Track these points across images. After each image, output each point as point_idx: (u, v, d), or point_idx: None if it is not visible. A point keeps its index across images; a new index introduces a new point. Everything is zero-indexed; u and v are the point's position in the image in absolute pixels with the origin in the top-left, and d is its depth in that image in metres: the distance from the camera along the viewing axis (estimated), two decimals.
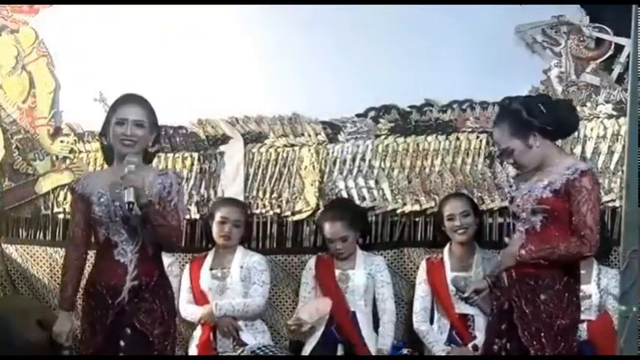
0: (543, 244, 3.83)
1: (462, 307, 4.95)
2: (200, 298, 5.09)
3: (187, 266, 5.21)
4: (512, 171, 4.21)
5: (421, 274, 5.10)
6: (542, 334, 3.80)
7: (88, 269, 4.01)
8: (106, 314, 3.81)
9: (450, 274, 4.98)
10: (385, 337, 5.06)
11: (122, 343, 3.82)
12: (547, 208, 3.84)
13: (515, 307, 3.86)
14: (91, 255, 4.01)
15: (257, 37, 5.49)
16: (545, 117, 3.91)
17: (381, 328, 5.08)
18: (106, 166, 4.16)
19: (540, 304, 3.82)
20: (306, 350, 5.01)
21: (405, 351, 5.05)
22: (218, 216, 5.12)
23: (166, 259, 5.02)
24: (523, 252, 3.84)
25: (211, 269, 5.11)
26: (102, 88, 5.33)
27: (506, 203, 4.85)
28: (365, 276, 5.09)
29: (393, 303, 5.15)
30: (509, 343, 3.90)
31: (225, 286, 5.07)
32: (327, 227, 5.09)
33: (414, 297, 5.11)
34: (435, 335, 4.98)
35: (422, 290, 5.08)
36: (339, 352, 4.98)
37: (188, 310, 5.09)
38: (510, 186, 4.05)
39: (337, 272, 5.10)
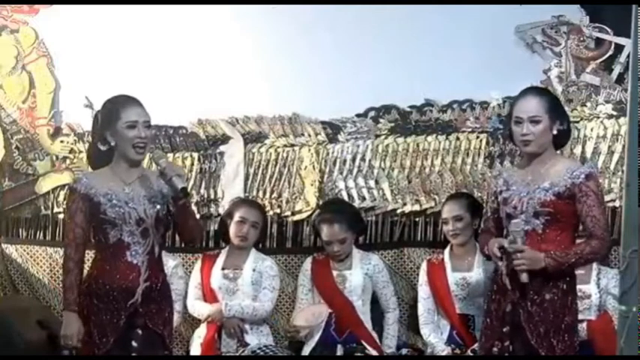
0: (567, 250, 3.83)
1: (462, 308, 4.95)
2: (209, 296, 5.08)
3: (198, 262, 5.20)
4: (505, 171, 4.15)
5: (422, 276, 5.09)
6: (551, 335, 3.81)
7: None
8: (118, 316, 3.80)
9: (451, 275, 4.98)
10: (390, 338, 5.09)
11: (134, 344, 3.82)
12: (550, 210, 3.84)
13: (521, 309, 3.85)
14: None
15: (257, 37, 5.49)
16: (569, 119, 4.03)
17: (386, 328, 5.10)
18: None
19: (547, 304, 3.83)
20: (306, 351, 5.01)
21: (405, 351, 5.05)
22: (237, 215, 5.11)
23: (171, 260, 5.07)
24: (550, 261, 3.79)
25: (223, 269, 5.10)
26: (102, 89, 5.30)
27: None
28: (362, 276, 5.09)
29: (396, 301, 5.17)
30: (513, 345, 3.89)
31: (235, 287, 5.07)
32: (325, 229, 5.08)
33: (417, 299, 5.11)
34: (436, 337, 4.97)
35: (423, 292, 5.07)
36: (339, 352, 4.98)
37: (196, 306, 5.09)
38: (507, 188, 3.99)
39: (334, 273, 5.10)
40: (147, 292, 3.83)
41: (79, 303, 3.81)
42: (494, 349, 3.93)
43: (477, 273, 4.92)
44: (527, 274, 3.81)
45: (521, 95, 4.01)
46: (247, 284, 5.06)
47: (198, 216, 5.36)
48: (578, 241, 3.94)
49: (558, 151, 4.10)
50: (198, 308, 5.08)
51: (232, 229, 5.11)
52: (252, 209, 5.15)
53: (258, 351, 4.87)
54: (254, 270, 5.09)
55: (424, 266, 5.10)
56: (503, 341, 3.91)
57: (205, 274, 5.12)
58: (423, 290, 5.07)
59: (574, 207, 3.84)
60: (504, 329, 3.91)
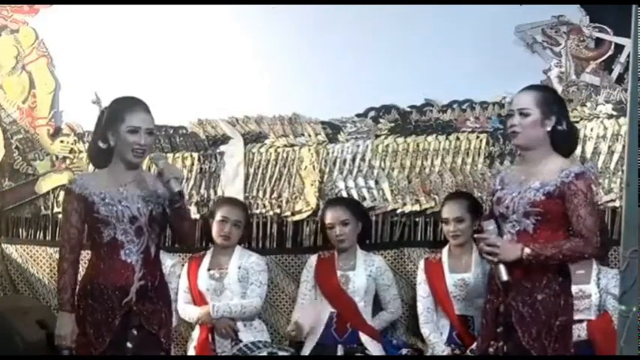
0: (546, 244, 3.80)
1: (461, 309, 4.94)
2: (198, 298, 5.08)
3: (185, 266, 5.20)
4: (503, 170, 4.14)
5: (420, 275, 5.08)
6: (543, 335, 3.79)
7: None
8: (113, 315, 3.78)
9: (449, 276, 4.97)
10: (380, 321, 5.10)
11: (129, 345, 3.80)
12: (540, 210, 3.81)
13: (513, 310, 3.83)
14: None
15: (257, 37, 5.50)
16: (569, 119, 3.99)
17: (380, 313, 5.12)
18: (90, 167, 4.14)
19: (538, 305, 3.80)
20: (306, 351, 5.01)
21: (404, 351, 5.05)
22: (219, 215, 5.11)
23: (169, 259, 5.06)
24: (528, 250, 3.77)
25: (209, 270, 5.10)
26: (102, 88, 5.33)
27: None
28: (365, 277, 5.08)
29: (399, 301, 5.18)
30: (506, 345, 3.87)
31: (223, 287, 5.06)
32: (329, 213, 5.10)
33: (417, 298, 5.10)
34: (437, 337, 4.96)
35: (422, 291, 5.06)
36: (339, 352, 4.98)
37: (186, 310, 5.09)
38: (502, 188, 3.97)
39: (338, 273, 5.09)
40: (142, 292, 3.82)
41: (75, 303, 3.80)
42: (490, 349, 3.90)
43: (474, 273, 4.92)
44: (506, 271, 3.78)
45: (519, 91, 4.01)
46: (234, 282, 5.05)
47: (197, 216, 5.39)
48: None
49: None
50: (189, 312, 5.08)
51: (214, 229, 5.11)
52: (234, 208, 5.15)
53: (244, 349, 4.84)
54: (240, 267, 5.08)
55: (422, 265, 5.09)
56: (498, 341, 3.88)
57: (192, 276, 5.12)
58: (422, 289, 5.06)
59: (564, 206, 3.81)
60: (498, 329, 3.88)
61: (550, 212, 3.82)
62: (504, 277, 3.79)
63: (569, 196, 3.78)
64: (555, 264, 3.81)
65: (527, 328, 3.80)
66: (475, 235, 3.94)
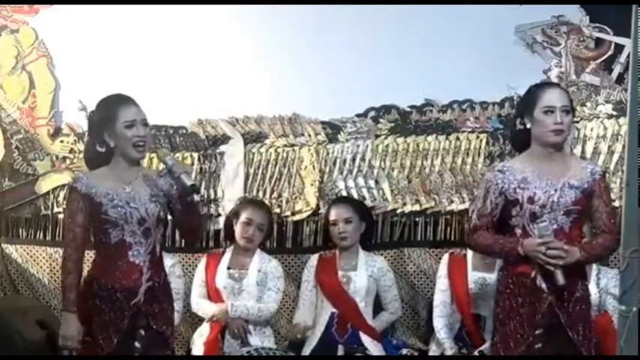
0: (592, 244, 3.86)
1: (476, 307, 4.91)
2: (214, 295, 5.07)
3: (202, 260, 5.18)
4: (512, 167, 4.10)
5: (442, 269, 5.03)
6: (587, 332, 3.81)
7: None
8: (121, 316, 3.77)
9: (471, 273, 4.94)
10: (381, 322, 5.10)
11: (137, 345, 3.79)
12: (579, 208, 3.84)
13: (561, 312, 3.79)
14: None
15: (257, 37, 5.50)
16: None
17: (380, 314, 5.12)
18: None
19: (580, 304, 3.82)
20: (306, 351, 5.01)
21: (405, 351, 5.05)
22: (244, 216, 5.09)
23: (169, 260, 5.04)
24: (584, 253, 3.78)
25: (229, 268, 5.09)
26: (102, 89, 5.28)
27: None
28: (366, 278, 5.08)
29: (399, 302, 5.19)
30: (545, 346, 3.81)
31: (240, 288, 5.05)
32: (333, 210, 5.12)
33: (435, 290, 5.05)
34: (447, 332, 4.92)
35: (442, 284, 5.01)
36: (340, 352, 4.97)
37: (201, 305, 5.08)
38: (525, 187, 3.86)
39: (339, 274, 5.09)
40: (149, 292, 3.81)
41: (81, 304, 3.78)
42: (519, 350, 3.82)
43: (496, 275, 4.88)
44: (562, 275, 3.73)
45: (547, 86, 4.00)
46: (252, 285, 5.05)
47: None
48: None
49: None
50: (203, 307, 5.07)
51: (238, 230, 5.10)
52: (259, 211, 5.14)
53: (253, 352, 4.84)
54: (259, 271, 5.07)
55: (445, 259, 5.04)
56: (533, 344, 3.81)
57: (210, 273, 5.10)
58: (442, 282, 5.00)
59: (590, 203, 3.86)
60: (537, 332, 3.82)
61: (585, 209, 3.86)
62: (562, 280, 3.74)
63: (600, 193, 3.86)
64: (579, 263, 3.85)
65: (575, 327, 3.79)
66: (538, 240, 3.77)
